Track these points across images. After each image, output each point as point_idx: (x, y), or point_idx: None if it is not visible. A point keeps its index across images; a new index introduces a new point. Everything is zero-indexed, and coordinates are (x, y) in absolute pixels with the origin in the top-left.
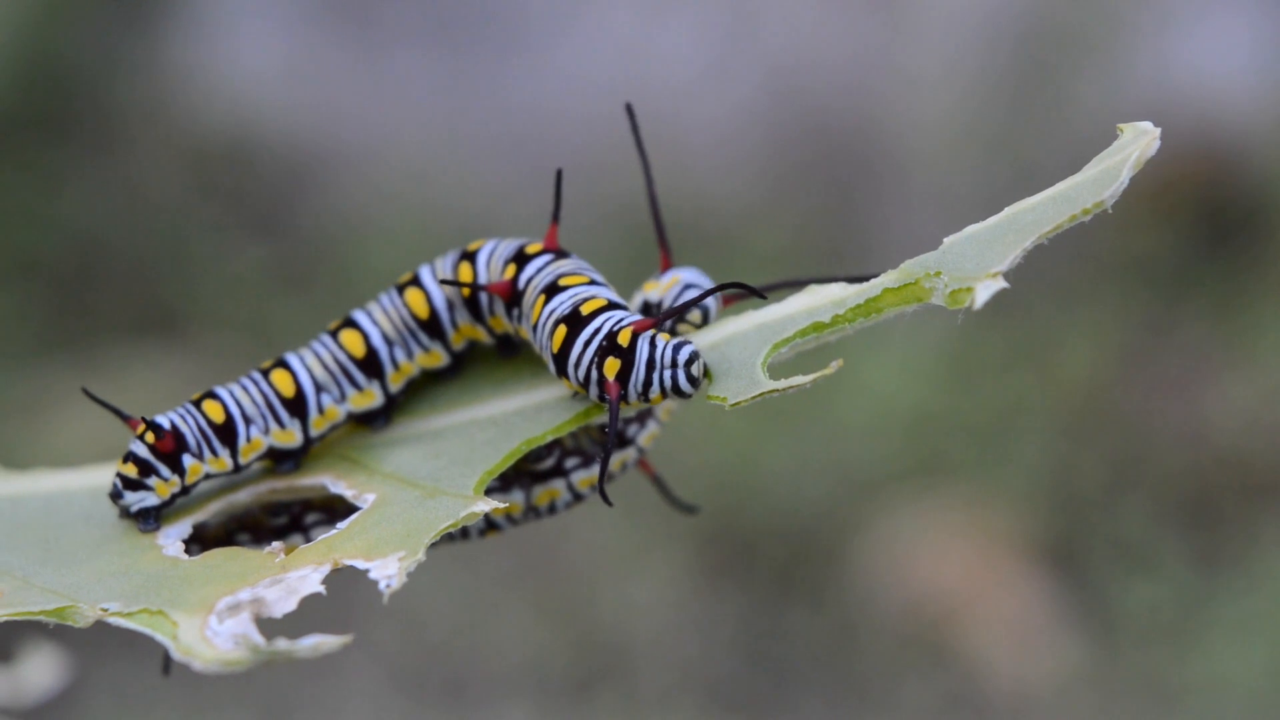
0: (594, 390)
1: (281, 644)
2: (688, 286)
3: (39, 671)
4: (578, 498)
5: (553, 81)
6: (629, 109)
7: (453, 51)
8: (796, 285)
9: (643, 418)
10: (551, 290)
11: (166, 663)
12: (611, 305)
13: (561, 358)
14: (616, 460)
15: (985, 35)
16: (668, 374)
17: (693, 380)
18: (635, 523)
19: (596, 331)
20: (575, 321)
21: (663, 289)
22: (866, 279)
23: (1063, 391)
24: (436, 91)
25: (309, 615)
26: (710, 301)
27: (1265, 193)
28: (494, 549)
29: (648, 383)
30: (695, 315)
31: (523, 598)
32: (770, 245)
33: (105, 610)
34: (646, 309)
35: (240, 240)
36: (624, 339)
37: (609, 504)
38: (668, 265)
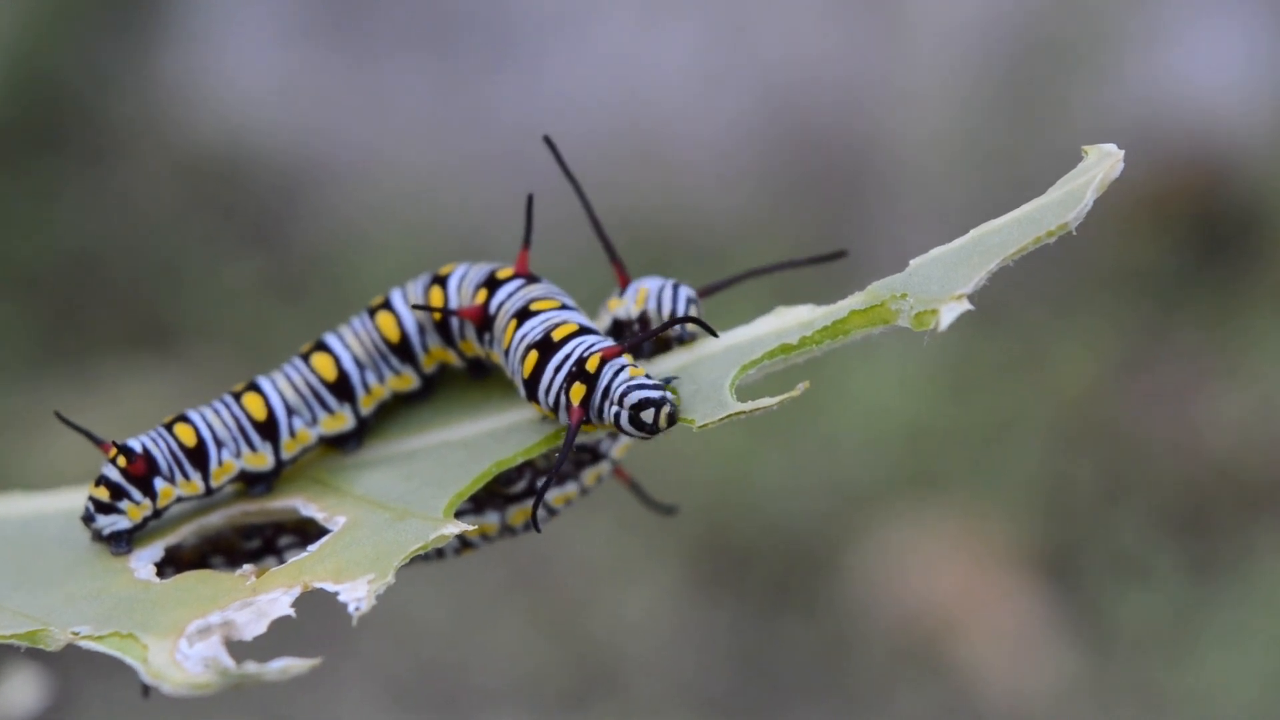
0: (564, 415)
1: (250, 667)
2: (675, 289)
3: (20, 691)
4: (552, 513)
5: (547, 97)
6: (548, 140)
7: (446, 67)
8: (760, 274)
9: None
10: (523, 315)
11: (146, 686)
12: (583, 330)
13: (532, 383)
14: (591, 474)
15: (980, 50)
16: (610, 410)
17: (638, 424)
18: (628, 536)
19: (567, 357)
20: (547, 347)
21: (636, 303)
22: (828, 258)
23: (1057, 402)
24: (430, 107)
25: (301, 628)
26: (694, 309)
27: (1258, 203)
28: (486, 562)
29: (600, 411)
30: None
31: (516, 611)
32: (764, 260)
33: (76, 634)
34: (617, 328)
35: (233, 254)
36: (592, 365)
37: (538, 530)
38: (625, 281)
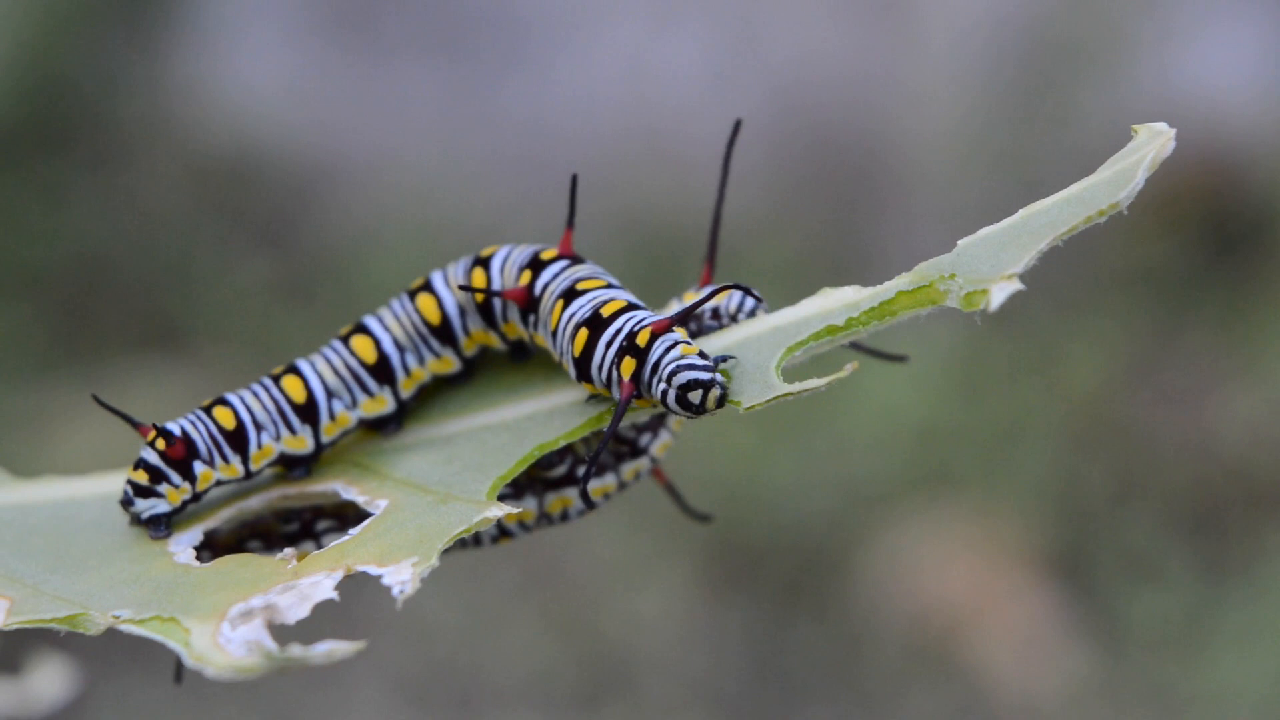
0: (616, 391)
1: (295, 650)
2: (741, 294)
3: (48, 682)
4: (591, 506)
5: (556, 97)
6: (737, 125)
7: (456, 67)
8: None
9: (655, 428)
10: (570, 295)
11: (179, 671)
12: (631, 306)
13: (584, 361)
14: (630, 470)
15: (989, 50)
16: (659, 387)
17: (684, 404)
18: (641, 535)
19: (618, 333)
20: (596, 324)
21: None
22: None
23: (1069, 402)
24: (439, 107)
25: (314, 626)
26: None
27: (1270, 203)
28: (500, 561)
29: (649, 387)
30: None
31: (529, 610)
32: (775, 259)
33: (117, 617)
34: (716, 315)
35: (243, 254)
36: (642, 339)
37: (590, 505)
38: (708, 280)
